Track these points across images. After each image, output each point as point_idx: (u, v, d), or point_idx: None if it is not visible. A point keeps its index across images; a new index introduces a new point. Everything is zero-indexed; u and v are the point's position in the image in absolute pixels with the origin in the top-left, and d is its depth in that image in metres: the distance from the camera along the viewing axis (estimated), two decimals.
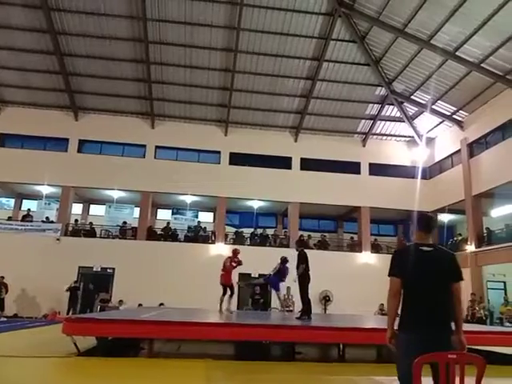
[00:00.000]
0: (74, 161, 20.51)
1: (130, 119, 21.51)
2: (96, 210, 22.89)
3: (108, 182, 20.33)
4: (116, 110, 21.32)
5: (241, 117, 21.76)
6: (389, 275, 3.18)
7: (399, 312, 3.17)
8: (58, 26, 17.96)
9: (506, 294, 17.75)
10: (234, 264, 10.69)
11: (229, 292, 10.65)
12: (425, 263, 3.10)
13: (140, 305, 16.96)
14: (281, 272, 11.05)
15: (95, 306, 18.02)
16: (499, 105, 17.57)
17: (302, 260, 9.17)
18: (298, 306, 16.74)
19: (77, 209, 22.31)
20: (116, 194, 21.07)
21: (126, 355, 7.05)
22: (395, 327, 3.15)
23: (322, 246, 21.61)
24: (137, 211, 21.06)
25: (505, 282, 18.56)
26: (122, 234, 20.72)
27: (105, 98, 20.81)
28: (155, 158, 21.39)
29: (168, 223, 21.22)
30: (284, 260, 11.12)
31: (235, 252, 11.02)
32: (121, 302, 17.83)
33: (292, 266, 9.78)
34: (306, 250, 9.47)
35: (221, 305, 10.72)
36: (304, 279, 9.13)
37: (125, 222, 20.82)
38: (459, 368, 2.67)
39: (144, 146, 21.38)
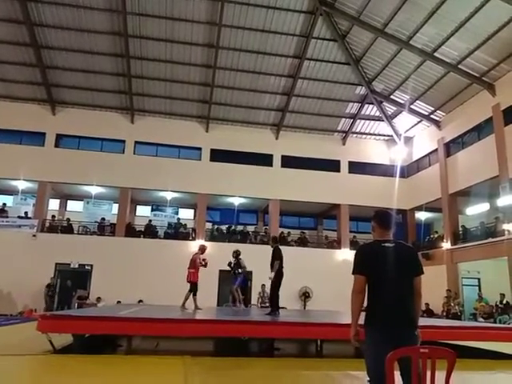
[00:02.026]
0: (51, 155, 20.11)
1: (108, 114, 21.20)
2: (74, 205, 22.54)
3: (86, 178, 19.99)
4: (95, 105, 20.98)
5: (222, 113, 21.70)
6: (353, 273, 3.20)
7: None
8: (34, 18, 17.56)
9: (480, 290, 18.19)
10: (203, 262, 10.52)
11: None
12: (388, 259, 3.14)
13: (119, 302, 16.80)
14: (242, 266, 11.44)
15: (72, 303, 17.76)
16: (475, 105, 17.97)
17: (277, 256, 9.20)
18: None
19: (54, 204, 21.92)
20: (94, 190, 20.74)
21: (103, 352, 6.98)
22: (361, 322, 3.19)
23: (302, 243, 21.76)
24: (115, 207, 20.77)
25: (479, 279, 19.01)
26: (100, 231, 20.45)
27: (83, 92, 20.46)
28: (134, 153, 21.14)
29: (150, 221, 21.03)
30: (238, 254, 11.50)
31: (203, 249, 10.81)
32: (99, 299, 17.63)
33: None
34: (280, 247, 9.52)
35: (185, 301, 10.49)
36: (278, 276, 9.18)
37: (103, 219, 20.54)
38: (431, 362, 2.73)
39: (123, 141, 21.10)
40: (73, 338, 6.95)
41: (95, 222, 20.53)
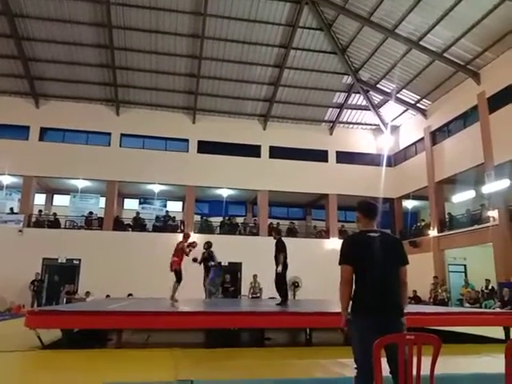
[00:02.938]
0: (36, 149, 19.80)
1: (93, 106, 20.92)
2: (60, 200, 22.28)
3: (72, 171, 19.76)
4: (79, 97, 20.68)
5: (209, 104, 21.55)
6: (340, 264, 3.23)
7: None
8: (14, 8, 17.15)
9: (466, 276, 18.50)
10: (192, 247, 10.43)
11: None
12: (374, 248, 3.17)
13: (108, 296, 16.72)
14: (214, 259, 11.11)
15: (61, 298, 17.64)
16: (460, 94, 18.11)
17: (282, 248, 9.26)
18: (265, 293, 17.00)
19: (40, 199, 21.64)
20: (81, 184, 20.53)
21: (92, 347, 6.95)
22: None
23: (291, 233, 21.83)
24: (103, 201, 20.59)
25: (465, 265, 19.33)
26: (87, 225, 20.27)
27: (67, 84, 20.14)
28: (121, 146, 20.93)
29: (137, 213, 20.91)
30: (209, 245, 11.17)
31: (188, 236, 10.70)
32: (88, 293, 17.52)
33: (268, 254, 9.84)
34: (270, 238, 9.57)
35: (174, 296, 10.24)
36: (284, 267, 9.26)
37: (91, 213, 20.35)
38: (417, 348, 2.77)
39: (109, 133, 20.86)
40: (61, 333, 6.90)
41: (82, 216, 20.34)
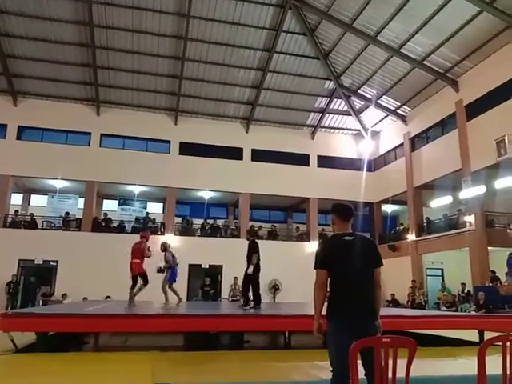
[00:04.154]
0: (13, 148, 19.35)
1: (73, 105, 20.58)
2: (38, 200, 21.81)
3: (50, 171, 19.38)
4: (59, 96, 20.31)
5: (191, 106, 21.46)
6: (315, 268, 3.26)
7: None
8: None
9: (443, 280, 18.84)
10: (150, 253, 9.99)
11: (140, 282, 9.93)
12: (349, 252, 3.21)
13: (85, 298, 16.45)
14: (172, 261, 10.43)
15: (37, 300, 17.28)
16: (439, 101, 18.47)
17: (255, 250, 9.18)
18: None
19: (17, 199, 21.16)
20: (59, 184, 20.13)
21: (68, 350, 6.82)
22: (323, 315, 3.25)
23: (272, 236, 21.89)
24: (81, 202, 20.26)
25: (442, 269, 19.68)
26: (65, 226, 19.90)
27: (47, 82, 19.77)
28: (101, 146, 20.63)
29: (105, 214, 20.70)
30: (166, 247, 10.58)
31: (147, 237, 10.28)
32: (64, 295, 17.20)
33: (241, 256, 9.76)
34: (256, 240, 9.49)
35: (134, 297, 9.83)
36: (256, 269, 9.19)
37: (67, 213, 19.98)
38: (392, 351, 2.80)
39: (89, 133, 20.54)
40: (36, 337, 6.76)
41: (60, 216, 19.97)
